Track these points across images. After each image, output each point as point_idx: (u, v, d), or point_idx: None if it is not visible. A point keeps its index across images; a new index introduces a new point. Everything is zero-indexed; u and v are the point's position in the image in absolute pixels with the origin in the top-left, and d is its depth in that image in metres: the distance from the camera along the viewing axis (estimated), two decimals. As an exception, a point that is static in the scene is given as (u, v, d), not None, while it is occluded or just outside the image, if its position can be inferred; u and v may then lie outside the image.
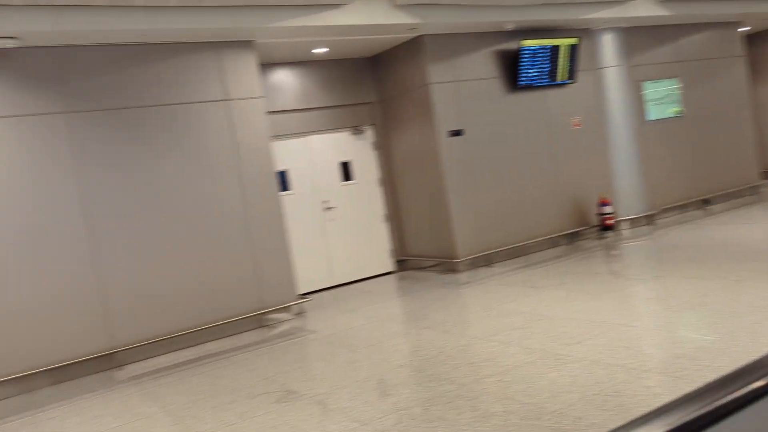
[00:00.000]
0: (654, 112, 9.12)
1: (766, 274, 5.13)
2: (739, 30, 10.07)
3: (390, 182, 8.29)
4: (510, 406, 3.27)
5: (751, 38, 11.16)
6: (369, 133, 8.24)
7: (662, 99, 9.21)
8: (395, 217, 8.29)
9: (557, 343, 4.21)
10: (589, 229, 8.47)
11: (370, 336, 5.17)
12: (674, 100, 9.34)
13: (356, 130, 8.09)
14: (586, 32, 8.51)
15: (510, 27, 7.77)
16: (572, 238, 8.39)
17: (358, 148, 8.15)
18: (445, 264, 7.58)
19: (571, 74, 8.25)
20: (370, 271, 8.05)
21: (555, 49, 8.02)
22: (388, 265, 8.21)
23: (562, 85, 8.26)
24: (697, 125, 9.55)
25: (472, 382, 3.73)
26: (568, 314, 4.90)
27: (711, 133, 9.70)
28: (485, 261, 7.62)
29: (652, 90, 9.13)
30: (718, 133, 9.78)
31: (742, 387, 0.82)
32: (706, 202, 9.57)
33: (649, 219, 8.84)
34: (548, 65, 8.03)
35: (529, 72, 7.90)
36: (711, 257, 6.11)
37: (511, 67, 7.90)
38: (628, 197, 8.72)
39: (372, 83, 8.22)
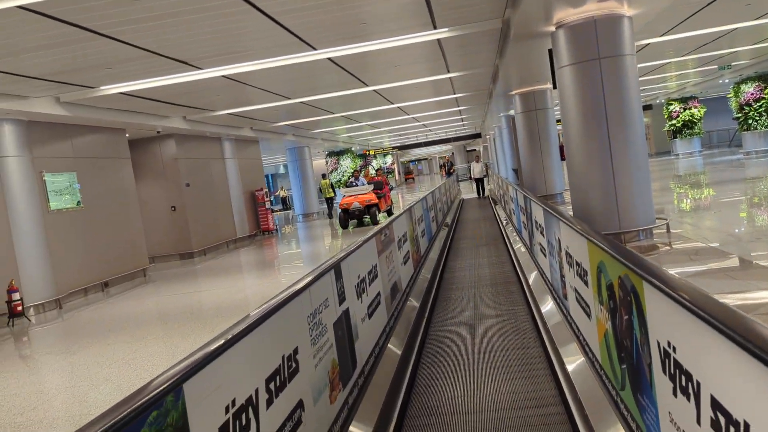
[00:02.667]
0: (56, 203, 10.04)
1: (153, 332, 6.81)
2: (126, 136, 12.24)
3: None
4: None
5: (133, 144, 13.57)
6: None
7: (63, 191, 10.25)
8: None
9: (9, 414, 4.62)
10: (-3, 318, 8.53)
11: None
12: (74, 192, 10.52)
13: None
14: (-14, 120, 8.80)
15: None
16: (-23, 329, 8.26)
17: None
18: None
19: (-28, 160, 8.35)
20: None
21: (-46, 133, 8.02)
22: None
23: (-38, 170, 8.25)
24: (95, 216, 10.99)
25: None
26: (12, 390, 5.26)
27: (108, 223, 11.34)
28: None
29: (53, 181, 10.06)
30: (114, 223, 11.51)
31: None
32: (106, 285, 11.00)
33: (57, 303, 9.55)
34: (-54, 148, 7.93)
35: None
36: (112, 329, 7.44)
37: None
38: (35, 283, 9.25)
39: None
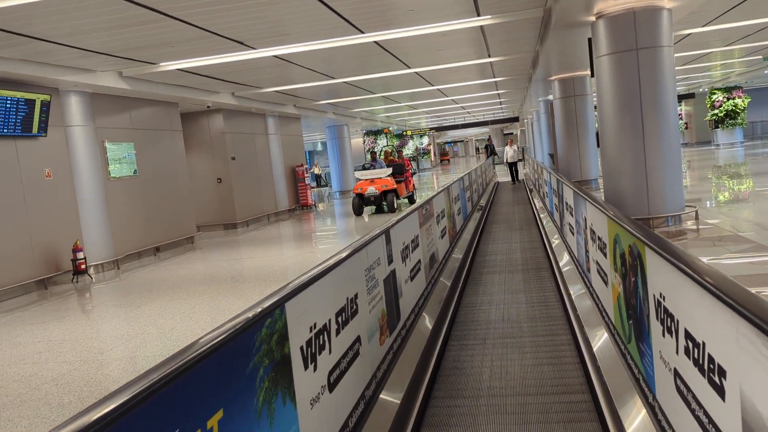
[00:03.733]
0: (116, 170, 10.80)
1: (207, 292, 7.47)
2: (179, 109, 12.95)
3: None
4: (80, 394, 4.29)
5: (184, 117, 14.28)
6: None
7: (122, 159, 11.00)
8: None
9: (91, 353, 5.31)
10: (63, 274, 9.34)
11: None
12: (131, 161, 11.27)
13: None
14: (56, 91, 9.53)
15: (-15, 74, 8.12)
16: (47, 283, 9.08)
17: None
18: None
19: (44, 128, 9.10)
20: None
21: (30, 102, 8.76)
22: None
23: (35, 137, 9.01)
24: (149, 184, 11.75)
25: (28, 391, 4.47)
26: (88, 334, 5.98)
27: (160, 192, 12.09)
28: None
29: (113, 150, 10.81)
30: (165, 192, 12.27)
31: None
32: (158, 249, 11.78)
33: (116, 263, 10.35)
34: (22, 116, 8.68)
35: (4, 121, 8.37)
36: (170, 287, 8.14)
37: (-15, 114, 8.20)
38: (96, 244, 10.03)
39: None
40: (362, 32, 8.84)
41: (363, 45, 9.66)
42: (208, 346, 1.60)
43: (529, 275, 6.99)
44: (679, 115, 33.68)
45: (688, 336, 1.97)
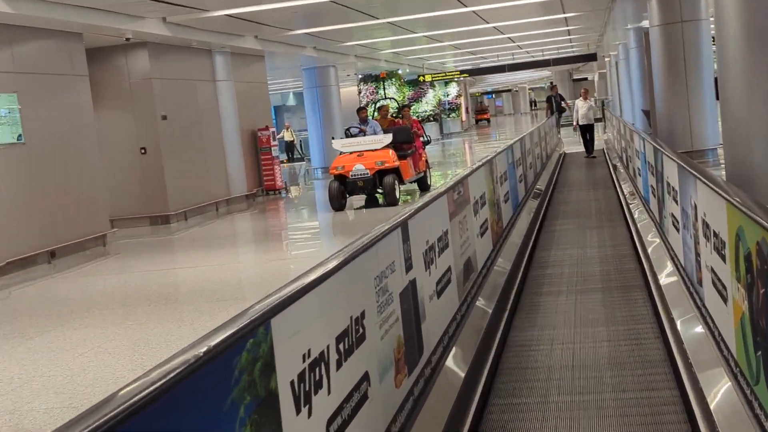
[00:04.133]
0: (-10, 135, 11.05)
1: (131, 316, 7.71)
2: (83, 44, 13.20)
3: None
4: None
5: (91, 55, 14.49)
6: None
7: (0, 118, 11.23)
8: None
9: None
10: None
11: None
12: (13, 121, 11.50)
13: None
14: None
15: None
16: None
17: None
18: None
19: None
20: None
21: None
22: None
23: None
24: (40, 156, 11.98)
25: None
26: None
27: (58, 169, 12.32)
28: None
29: (-11, 106, 11.07)
30: (66, 168, 12.52)
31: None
32: (53, 255, 12.05)
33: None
34: None
35: None
36: (73, 310, 8.38)
37: None
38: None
39: None
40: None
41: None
42: (175, 373, 1.80)
43: (612, 296, 7.21)
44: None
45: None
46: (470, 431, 4.24)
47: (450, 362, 4.73)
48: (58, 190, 12.38)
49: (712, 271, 4.37)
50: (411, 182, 15.69)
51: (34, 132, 11.95)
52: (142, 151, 15.41)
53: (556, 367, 5.38)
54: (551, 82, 40.83)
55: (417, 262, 4.32)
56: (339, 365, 2.91)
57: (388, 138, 14.54)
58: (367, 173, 13.79)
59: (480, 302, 6.18)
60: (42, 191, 12.02)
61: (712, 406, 3.93)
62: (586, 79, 56.88)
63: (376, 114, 17.39)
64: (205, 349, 1.98)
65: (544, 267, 8.73)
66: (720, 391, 3.97)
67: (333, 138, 16.28)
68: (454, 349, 4.95)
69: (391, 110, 17.30)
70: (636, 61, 21.27)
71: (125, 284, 10.06)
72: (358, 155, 14.13)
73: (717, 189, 4.13)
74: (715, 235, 4.20)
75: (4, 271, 11.01)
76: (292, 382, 2.47)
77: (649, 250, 7.87)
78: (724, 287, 3.97)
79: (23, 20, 11.38)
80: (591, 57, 38.36)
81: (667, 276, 6.59)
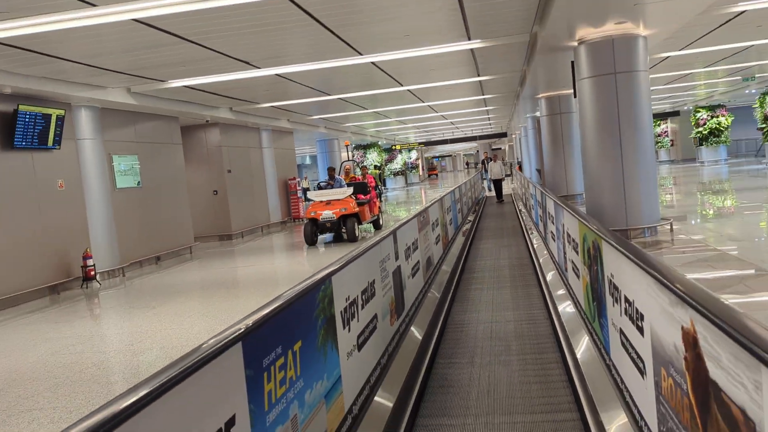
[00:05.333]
0: (121, 182, 11.54)
1: (215, 295, 8.22)
2: (179, 124, 13.73)
3: None
4: (124, 375, 5.03)
5: (183, 131, 15.03)
6: None
7: (127, 171, 11.74)
8: None
9: (122, 344, 6.05)
10: (73, 280, 10.03)
11: None
12: (135, 172, 12.01)
13: None
14: (68, 106, 10.29)
15: (8, 91, 8.86)
16: (59, 288, 9.77)
17: None
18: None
19: (58, 141, 9.84)
20: None
21: (47, 117, 9.51)
22: None
23: (50, 149, 9.74)
24: (151, 195, 12.48)
25: (75, 374, 5.19)
26: (114, 331, 6.70)
27: (161, 203, 12.82)
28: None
29: (120, 163, 11.56)
30: (166, 203, 13.00)
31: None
32: (158, 258, 12.49)
33: (121, 271, 11.05)
34: (39, 129, 9.42)
35: (23, 134, 9.11)
36: (178, 292, 8.87)
37: (7, 129, 8.95)
38: (103, 252, 10.73)
39: None
40: (361, 54, 9.71)
41: (360, 65, 10.53)
42: (294, 295, 2.40)
43: (517, 289, 7.80)
44: (666, 132, 34.99)
45: (626, 300, 2.81)
46: (431, 356, 4.82)
47: (419, 317, 5.31)
48: (162, 217, 12.85)
49: (572, 261, 5.01)
50: (368, 223, 14.44)
51: (147, 180, 12.45)
52: (215, 192, 15.90)
53: (479, 337, 5.94)
54: (485, 152, 41.38)
55: (401, 255, 4.93)
56: (363, 307, 3.50)
57: (350, 190, 13.43)
58: (334, 217, 12.69)
59: (432, 292, 6.68)
60: (151, 217, 12.49)
61: (567, 330, 4.54)
62: (500, 148, 57.75)
63: (341, 172, 15.95)
64: (307, 284, 2.59)
65: (472, 271, 9.31)
66: (575, 327, 4.59)
67: (308, 190, 14.95)
68: (421, 310, 5.54)
69: (356, 170, 16.09)
70: (532, 137, 21.97)
71: (207, 277, 10.54)
72: (326, 203, 13.01)
73: (573, 214, 4.79)
74: (573, 240, 4.85)
75: (128, 270, 11.46)
76: (341, 312, 3.06)
77: (541, 260, 8.49)
78: (577, 269, 4.61)
79: (142, 108, 11.93)
80: (503, 134, 39.25)
81: (550, 271, 7.21)
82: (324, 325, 2.74)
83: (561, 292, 5.74)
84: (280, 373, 2.18)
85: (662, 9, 7.77)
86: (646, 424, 2.50)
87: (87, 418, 1.31)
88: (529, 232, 10.93)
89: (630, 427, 2.76)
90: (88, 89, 10.10)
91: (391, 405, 3.46)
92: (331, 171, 14.73)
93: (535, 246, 9.32)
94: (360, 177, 15.79)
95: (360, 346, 3.33)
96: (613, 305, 3.15)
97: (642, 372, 2.54)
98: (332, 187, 13.92)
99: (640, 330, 2.53)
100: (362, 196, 13.97)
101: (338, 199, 13.04)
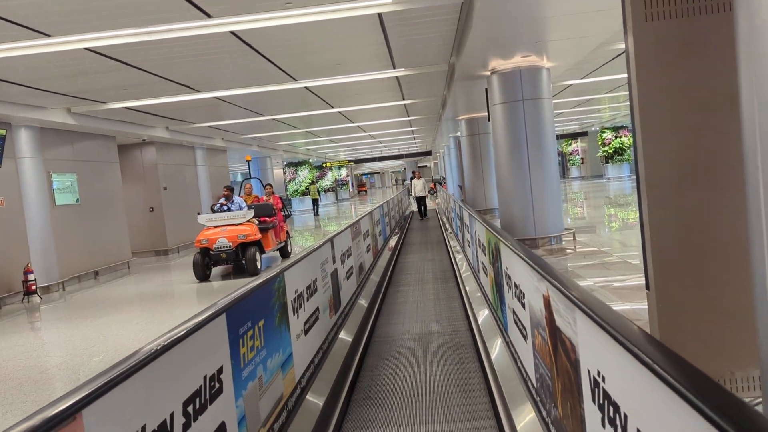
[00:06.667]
0: (61, 199, 11.64)
1: (159, 306, 8.58)
2: (116, 142, 13.89)
3: None
4: (89, 372, 5.42)
5: (120, 149, 15.13)
6: None
7: (66, 189, 11.85)
8: None
9: (76, 350, 6.39)
10: (13, 294, 10.09)
11: None
12: (74, 190, 12.12)
13: None
14: (8, 126, 10.39)
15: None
16: (-1, 304, 9.84)
17: None
18: None
19: (-1, 160, 9.93)
20: None
21: (-12, 137, 9.61)
22: None
23: (-9, 167, 9.83)
24: (90, 212, 12.60)
25: (37, 374, 5.53)
26: (65, 338, 7.00)
27: (99, 220, 12.93)
28: None
29: (59, 180, 11.67)
30: (105, 219, 13.12)
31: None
32: (96, 273, 12.59)
33: (62, 285, 11.14)
34: (-20, 149, 9.51)
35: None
36: (120, 303, 9.16)
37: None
38: (43, 267, 10.81)
39: None
40: (296, 80, 10.35)
41: (295, 89, 11.16)
42: (257, 284, 3.02)
43: (437, 285, 8.58)
44: (576, 150, 37.19)
45: (517, 287, 3.58)
46: (365, 344, 5.48)
47: (353, 314, 5.96)
48: (100, 233, 12.95)
49: (482, 263, 5.81)
50: (275, 249, 12.19)
51: (85, 197, 12.56)
52: (151, 209, 16.02)
53: (404, 332, 6.64)
54: (414, 171, 42.49)
55: (337, 260, 5.58)
56: (308, 299, 4.13)
57: (250, 213, 11.13)
58: (230, 246, 10.47)
59: (360, 300, 7.06)
60: (89, 233, 12.59)
61: (480, 321, 5.30)
62: (426, 166, 59.34)
63: (242, 192, 13.14)
64: (267, 277, 3.21)
65: (400, 272, 10.04)
66: (484, 314, 5.36)
67: (199, 213, 12.29)
68: (356, 307, 6.19)
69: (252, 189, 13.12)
70: (454, 156, 23.08)
71: (146, 290, 10.79)
72: (221, 229, 10.75)
73: (481, 222, 5.58)
74: (482, 244, 5.64)
75: (68, 284, 11.54)
76: (292, 301, 3.68)
77: (461, 267, 9.32)
78: (485, 268, 5.39)
79: (81, 128, 12.07)
80: (428, 153, 40.61)
81: (465, 272, 8.02)
82: (279, 310, 3.36)
83: (478, 295, 6.53)
84: (250, 342, 2.79)
85: (560, 46, 8.83)
86: (529, 377, 3.25)
87: (122, 363, 1.89)
88: (450, 243, 11.80)
89: (525, 394, 3.50)
90: (29, 110, 10.25)
91: (330, 386, 4.09)
92: (227, 191, 11.98)
93: (457, 259, 10.17)
94: (264, 198, 13.22)
95: (306, 332, 3.95)
96: (508, 292, 3.92)
97: (525, 337, 3.30)
98: (229, 210, 11.48)
99: (523, 305, 3.29)
100: (267, 220, 11.78)
101: (236, 224, 10.87)
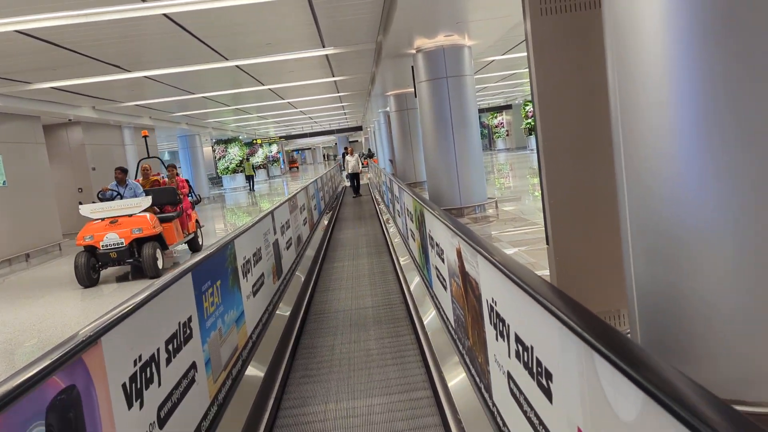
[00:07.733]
0: (-14, 182, 11.47)
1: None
2: (40, 123, 13.65)
3: None
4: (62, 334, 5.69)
5: (45, 130, 14.82)
6: None
7: (-9, 171, 11.66)
8: None
9: (31, 323, 6.61)
10: (-56, 280, 9.98)
11: None
12: (0, 172, 11.93)
13: None
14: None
15: None
16: (-72, 289, 9.71)
17: None
18: None
19: None
20: None
21: None
22: None
23: None
24: (18, 194, 12.42)
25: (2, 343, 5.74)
26: (18, 315, 7.17)
27: (28, 202, 12.76)
28: None
29: (-17, 163, 11.48)
30: (34, 201, 12.96)
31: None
32: (28, 256, 12.49)
33: (-8, 269, 11.05)
34: None
35: None
36: (59, 284, 9.28)
37: None
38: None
39: None
40: (227, 59, 10.57)
41: (225, 68, 11.35)
42: (214, 250, 3.47)
43: (371, 256, 9.15)
44: (501, 123, 38.50)
45: (438, 246, 4.17)
46: (304, 311, 5.99)
47: (293, 281, 6.44)
48: (29, 215, 12.80)
49: (410, 230, 6.40)
50: (183, 242, 10.22)
51: (12, 179, 12.37)
52: (80, 190, 15.82)
53: (340, 309, 7.15)
54: (345, 147, 42.89)
55: (278, 231, 6.04)
56: (254, 265, 4.59)
57: (148, 201, 9.00)
58: (122, 243, 8.46)
59: (298, 273, 7.57)
60: (18, 216, 12.44)
61: (412, 287, 5.90)
62: (357, 141, 59.72)
63: (138, 175, 11.24)
64: (221, 243, 3.65)
65: (335, 248, 10.55)
66: (415, 279, 5.96)
67: (81, 203, 9.59)
68: (294, 276, 6.67)
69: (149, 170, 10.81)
70: (384, 131, 23.59)
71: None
72: (111, 222, 8.75)
73: (409, 193, 6.16)
74: (410, 213, 6.23)
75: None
76: (241, 266, 4.14)
77: (390, 230, 9.91)
78: (413, 234, 5.98)
79: (4, 109, 11.86)
80: (359, 128, 41.01)
81: (395, 239, 8.63)
82: (232, 273, 3.82)
83: (408, 261, 7.13)
84: (211, 298, 3.26)
85: (480, 26, 9.45)
86: (448, 319, 3.86)
87: (122, 305, 2.33)
88: (383, 217, 12.39)
89: (448, 340, 4.10)
90: (-51, 91, 10.05)
91: (276, 342, 4.59)
92: (119, 173, 9.69)
93: (390, 232, 10.77)
94: (167, 180, 10.80)
95: (254, 293, 4.43)
96: (431, 251, 4.51)
97: (445, 287, 3.90)
98: (121, 197, 9.37)
99: (443, 260, 3.88)
100: (170, 209, 9.85)
101: (129, 215, 8.82)
